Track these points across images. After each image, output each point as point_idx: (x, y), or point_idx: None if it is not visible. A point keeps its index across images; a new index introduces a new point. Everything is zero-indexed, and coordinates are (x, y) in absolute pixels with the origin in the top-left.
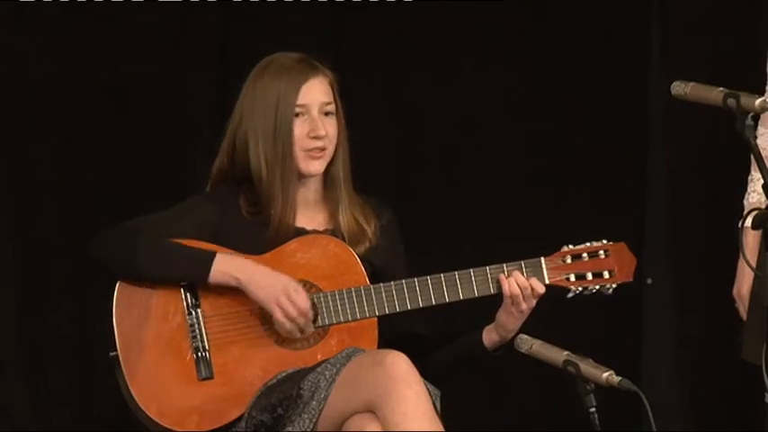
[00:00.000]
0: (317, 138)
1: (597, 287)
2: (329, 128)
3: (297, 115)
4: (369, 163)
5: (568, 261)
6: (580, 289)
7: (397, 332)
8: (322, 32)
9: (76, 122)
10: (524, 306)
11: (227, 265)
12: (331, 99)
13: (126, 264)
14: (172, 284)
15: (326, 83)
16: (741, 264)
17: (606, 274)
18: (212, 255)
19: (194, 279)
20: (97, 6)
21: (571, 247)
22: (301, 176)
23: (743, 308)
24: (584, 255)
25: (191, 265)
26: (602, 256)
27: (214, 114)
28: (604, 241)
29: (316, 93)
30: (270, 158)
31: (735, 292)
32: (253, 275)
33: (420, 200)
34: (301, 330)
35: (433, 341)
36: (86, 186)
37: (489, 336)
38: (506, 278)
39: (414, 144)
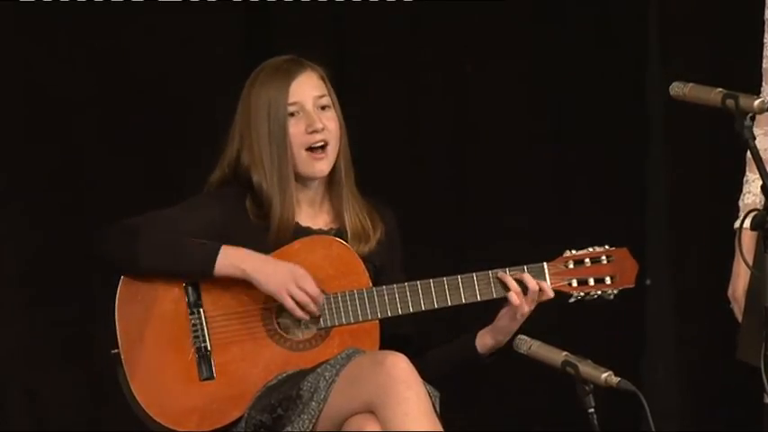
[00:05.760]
0: (315, 132)
1: (599, 293)
2: (328, 122)
3: (291, 115)
4: (372, 163)
5: (571, 266)
6: (582, 294)
7: (388, 334)
8: (326, 32)
9: (82, 122)
10: (527, 309)
11: (233, 257)
12: (324, 92)
13: (128, 257)
14: (175, 279)
15: (316, 77)
16: (736, 264)
17: (608, 280)
18: (217, 247)
19: (200, 272)
20: (112, 6)
21: (573, 252)
22: (306, 178)
23: (738, 309)
24: (587, 260)
25: (195, 257)
26: (605, 262)
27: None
28: (607, 246)
29: (306, 88)
30: (267, 165)
31: (730, 292)
32: (259, 265)
33: (422, 202)
34: (313, 315)
35: (424, 344)
36: (90, 186)
37: (483, 340)
38: (515, 280)
39: (416, 145)
